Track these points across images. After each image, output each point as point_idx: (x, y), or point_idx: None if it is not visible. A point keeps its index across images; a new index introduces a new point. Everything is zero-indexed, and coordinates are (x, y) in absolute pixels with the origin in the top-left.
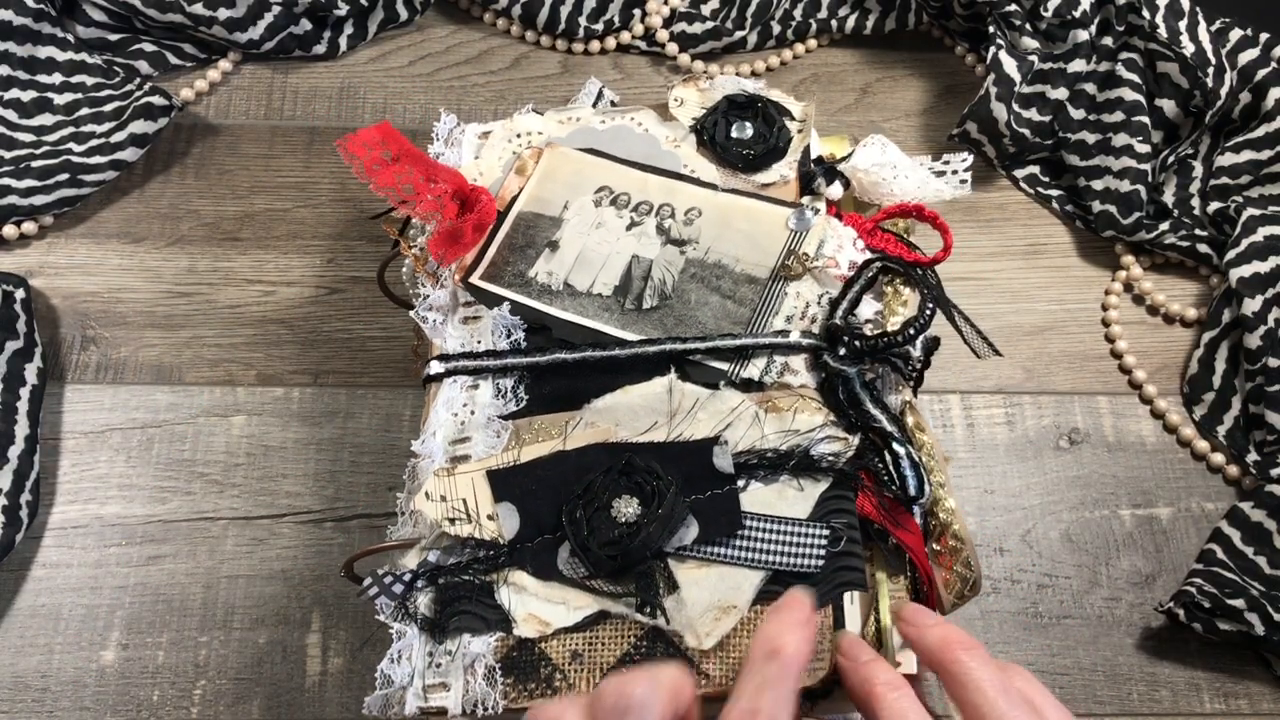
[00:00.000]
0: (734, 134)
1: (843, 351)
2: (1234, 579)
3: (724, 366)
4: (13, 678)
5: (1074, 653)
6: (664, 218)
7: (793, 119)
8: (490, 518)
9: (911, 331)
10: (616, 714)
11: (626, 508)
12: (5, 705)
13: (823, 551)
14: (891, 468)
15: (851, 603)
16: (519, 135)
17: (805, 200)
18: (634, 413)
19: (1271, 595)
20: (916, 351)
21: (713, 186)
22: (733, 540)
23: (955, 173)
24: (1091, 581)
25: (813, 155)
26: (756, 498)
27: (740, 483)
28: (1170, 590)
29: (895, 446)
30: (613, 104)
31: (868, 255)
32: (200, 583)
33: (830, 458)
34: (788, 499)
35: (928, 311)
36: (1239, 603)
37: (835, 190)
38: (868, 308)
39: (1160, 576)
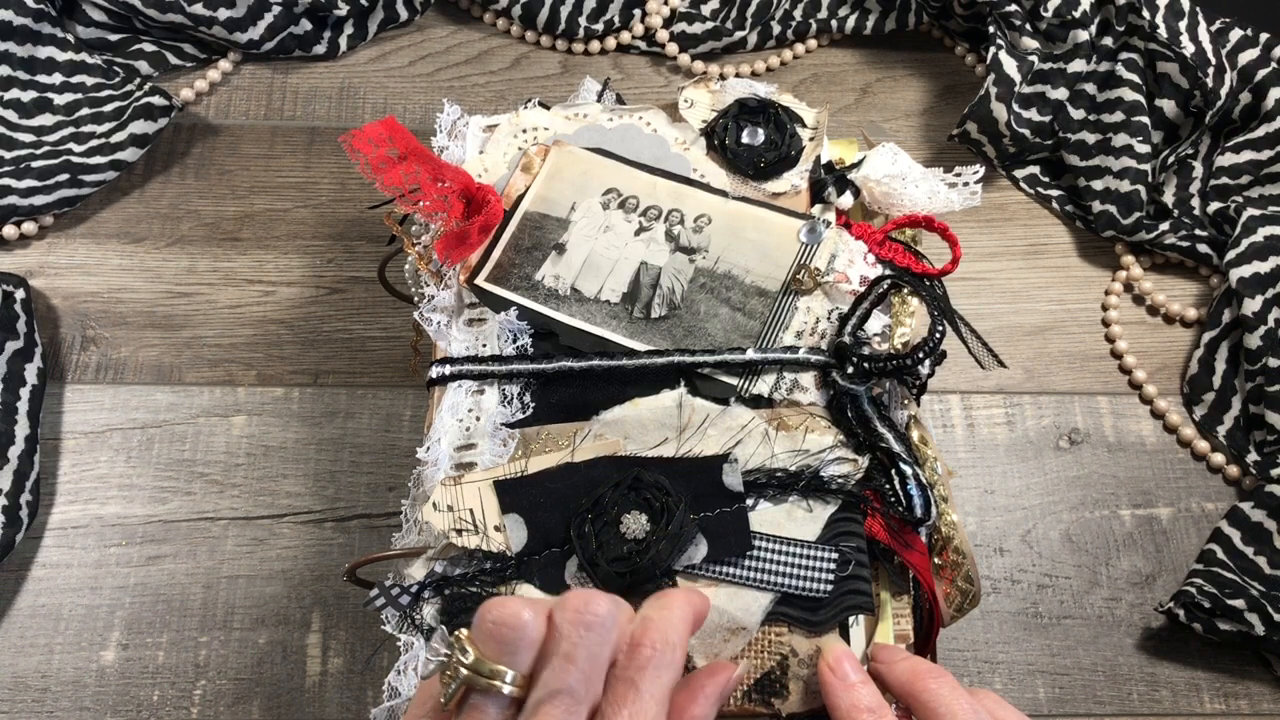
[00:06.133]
0: (745, 139)
1: (850, 370)
2: (1234, 579)
3: (733, 381)
4: (13, 678)
5: (1074, 653)
6: (673, 224)
7: (804, 126)
8: (498, 529)
9: (921, 355)
10: (579, 627)
11: (635, 524)
12: (5, 705)
13: (831, 575)
14: (898, 487)
15: (856, 624)
16: (525, 130)
17: (816, 211)
18: (643, 426)
19: (1271, 595)
20: (925, 369)
21: (723, 193)
22: (742, 560)
23: (966, 184)
24: (1091, 581)
25: (823, 161)
26: (765, 518)
27: (749, 502)
28: (1170, 590)
29: (903, 467)
30: (619, 99)
31: (878, 270)
32: (200, 583)
33: (840, 479)
34: (797, 520)
35: (938, 333)
36: (1239, 603)
37: (846, 200)
38: (876, 321)
39: (1160, 576)
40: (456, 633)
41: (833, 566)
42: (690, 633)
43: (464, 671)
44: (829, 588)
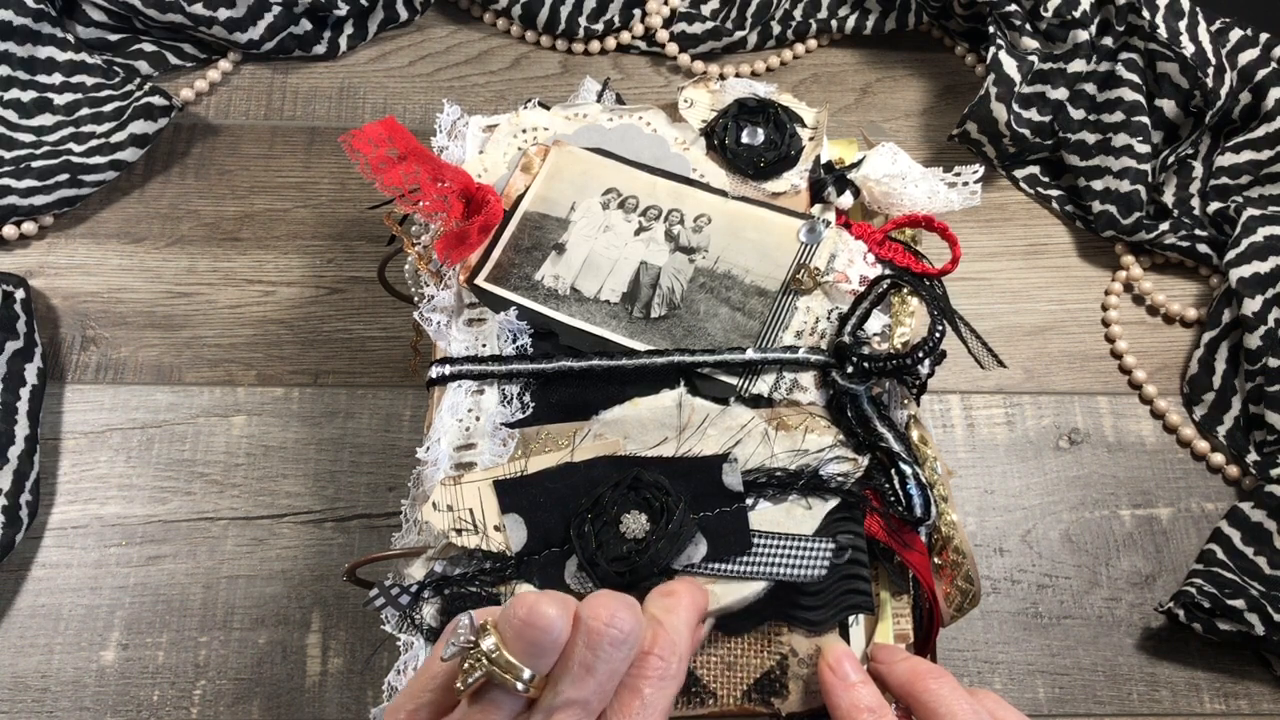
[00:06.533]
0: (745, 139)
1: (850, 370)
2: (1234, 579)
3: (732, 380)
4: (13, 678)
5: (1074, 653)
6: (673, 224)
7: (804, 126)
8: (497, 529)
9: (921, 354)
10: (605, 641)
11: (635, 523)
12: (5, 705)
13: (827, 561)
14: (898, 487)
15: (856, 623)
16: (525, 130)
17: (816, 210)
18: (643, 426)
19: (1271, 595)
20: (925, 369)
21: (723, 193)
22: (740, 557)
23: (966, 184)
24: (1091, 581)
25: (823, 161)
26: (765, 516)
27: (749, 501)
28: (1170, 590)
29: (902, 466)
30: (618, 99)
31: (878, 269)
32: (200, 583)
33: (839, 479)
34: (795, 518)
35: (938, 333)
36: (1239, 603)
37: (846, 200)
38: (875, 321)
39: (1160, 576)
40: (484, 622)
41: (829, 554)
42: (692, 633)
43: (487, 663)
44: (824, 572)
